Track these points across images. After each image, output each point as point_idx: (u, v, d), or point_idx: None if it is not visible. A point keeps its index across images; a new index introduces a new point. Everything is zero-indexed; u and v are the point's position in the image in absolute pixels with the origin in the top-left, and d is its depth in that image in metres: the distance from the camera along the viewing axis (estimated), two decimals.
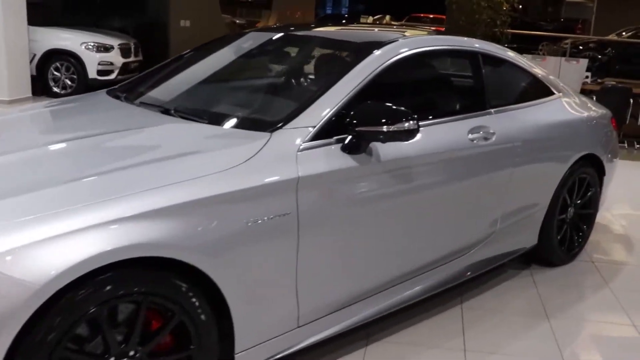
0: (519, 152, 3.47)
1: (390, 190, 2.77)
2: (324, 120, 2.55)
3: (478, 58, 3.50)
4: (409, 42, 3.13)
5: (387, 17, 14.66)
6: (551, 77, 4.11)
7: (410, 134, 2.58)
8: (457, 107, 3.55)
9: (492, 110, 3.43)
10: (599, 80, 9.27)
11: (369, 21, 14.25)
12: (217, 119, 2.73)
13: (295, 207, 2.35)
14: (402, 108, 2.57)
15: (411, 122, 2.54)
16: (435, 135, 3.01)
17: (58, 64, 9.66)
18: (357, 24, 12.63)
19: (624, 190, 6.03)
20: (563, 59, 8.48)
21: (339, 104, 2.62)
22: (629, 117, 8.31)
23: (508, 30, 11.43)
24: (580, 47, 12.66)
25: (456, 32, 11.46)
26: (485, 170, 3.28)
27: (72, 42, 9.68)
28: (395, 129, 2.52)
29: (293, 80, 3.58)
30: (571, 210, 4.12)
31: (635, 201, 5.92)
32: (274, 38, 3.73)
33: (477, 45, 3.55)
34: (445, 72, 3.91)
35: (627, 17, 15.34)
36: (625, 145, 8.39)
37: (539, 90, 3.91)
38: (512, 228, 3.63)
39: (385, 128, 2.51)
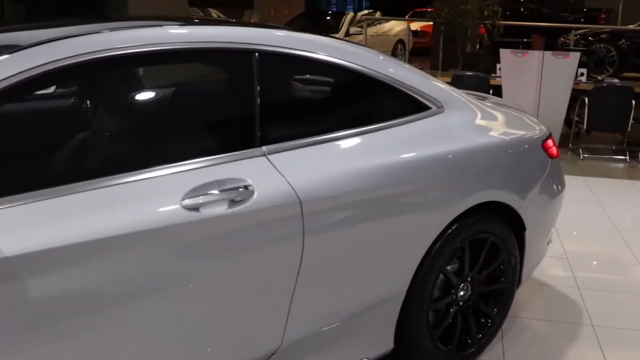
0: (320, 217, 2.06)
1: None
2: None
3: (250, 61, 2.08)
4: (59, 47, 1.74)
5: (378, 13, 13.26)
6: (431, 82, 2.65)
7: None
8: (174, 150, 1.97)
9: (264, 148, 2.02)
10: (600, 78, 7.64)
11: (359, 16, 12.83)
12: None
13: None
14: None
15: None
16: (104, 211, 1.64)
17: None
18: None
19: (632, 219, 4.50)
20: (549, 53, 6.91)
21: None
22: (631, 122, 6.68)
23: (500, 22, 9.89)
24: (590, 39, 10.96)
25: (446, 26, 9.98)
26: (230, 257, 1.88)
27: None
28: None
29: None
30: (465, 288, 2.67)
31: None
32: None
33: (251, 40, 2.12)
34: (151, 94, 2.14)
35: None
36: (627, 157, 6.76)
37: (389, 106, 2.47)
38: (329, 335, 2.21)
39: None
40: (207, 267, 1.83)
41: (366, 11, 12.95)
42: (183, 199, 1.80)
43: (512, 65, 7.06)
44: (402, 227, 2.31)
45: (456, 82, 7.25)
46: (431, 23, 11.23)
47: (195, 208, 1.81)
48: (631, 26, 11.26)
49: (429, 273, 2.46)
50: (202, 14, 15.63)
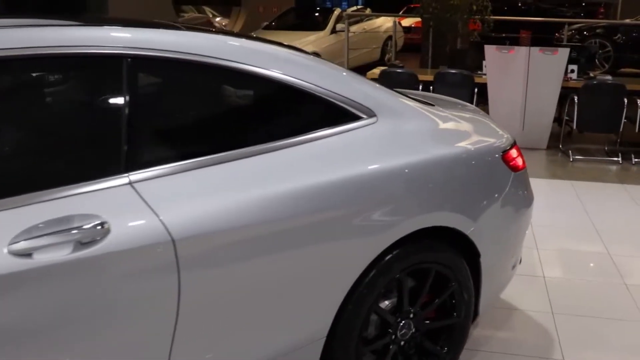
0: (202, 258, 1.69)
1: None
2: None
3: (118, 69, 1.70)
4: None
5: (368, 10, 12.84)
6: (363, 88, 2.27)
7: None
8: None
9: (130, 175, 1.64)
10: (592, 74, 7.23)
11: (349, 12, 12.44)
12: None
13: None
14: None
15: None
16: None
17: None
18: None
19: (619, 228, 4.11)
20: (536, 49, 6.50)
21: None
22: (623, 121, 6.28)
23: (490, 17, 9.49)
24: (585, 33, 10.51)
25: (435, 22, 9.58)
26: (75, 313, 1.51)
27: None
28: None
29: None
30: (407, 325, 2.30)
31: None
32: None
33: (121, 43, 1.73)
34: None
35: None
36: (619, 159, 6.35)
37: (305, 117, 2.09)
38: None
39: None
40: (42, 326, 1.46)
41: (354, 7, 12.54)
42: (10, 244, 1.43)
43: (497, 62, 6.67)
44: (316, 262, 1.93)
45: (439, 81, 6.87)
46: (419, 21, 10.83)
47: (27, 254, 1.44)
48: (627, 20, 10.81)
49: (356, 312, 2.09)
50: (196, 13, 15.27)
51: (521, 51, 6.57)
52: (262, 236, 1.78)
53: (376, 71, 7.33)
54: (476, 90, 6.82)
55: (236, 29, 13.26)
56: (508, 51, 6.63)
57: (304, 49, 2.47)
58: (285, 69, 2.03)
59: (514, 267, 2.80)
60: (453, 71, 6.95)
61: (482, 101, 6.90)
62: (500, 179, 2.54)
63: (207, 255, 1.70)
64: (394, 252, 2.15)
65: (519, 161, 2.70)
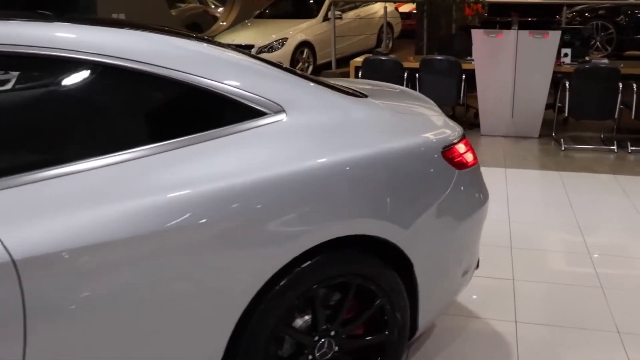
0: (53, 281, 1.45)
1: None
2: None
3: None
4: None
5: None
6: (270, 79, 2.00)
7: None
8: None
9: None
10: (587, 58, 6.86)
11: None
12: None
13: None
14: None
15: None
16: None
17: None
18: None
19: (606, 226, 3.80)
20: (525, 32, 6.15)
21: None
22: (618, 107, 5.92)
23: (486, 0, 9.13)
24: (587, 15, 10.07)
25: (428, 6, 9.22)
26: None
27: None
28: None
29: None
30: (328, 344, 2.04)
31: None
32: None
33: None
34: None
35: None
36: (615, 148, 6.01)
37: (191, 115, 1.82)
38: None
39: None
40: None
41: None
42: None
43: (485, 47, 6.33)
44: (196, 280, 1.66)
45: (425, 68, 6.56)
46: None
47: None
48: (631, 0, 10.36)
49: (258, 331, 1.83)
50: (198, 3, 14.98)
51: (510, 35, 6.22)
52: (133, 250, 1.53)
53: (360, 59, 7.01)
54: (464, 76, 6.50)
55: (230, 18, 12.95)
56: (496, 35, 6.29)
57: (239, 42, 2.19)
58: (162, 62, 1.76)
59: (465, 273, 2.52)
60: (439, 57, 6.63)
61: (471, 88, 6.59)
62: (439, 178, 2.25)
63: (55, 277, 1.45)
64: (302, 266, 1.88)
65: (468, 157, 2.41)
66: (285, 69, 2.14)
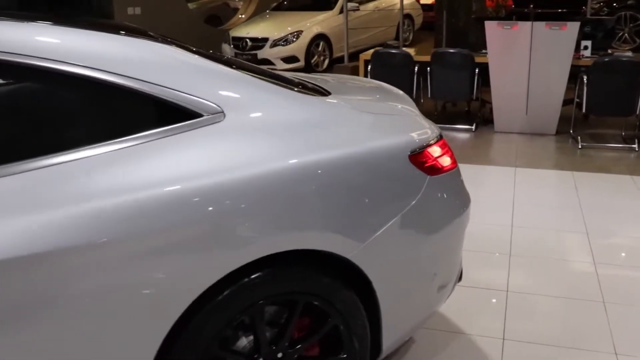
0: None
1: None
2: None
3: None
4: None
5: None
6: (208, 76, 1.81)
7: None
8: None
9: None
10: (610, 51, 6.50)
11: None
12: None
13: None
14: None
15: None
16: None
17: None
18: None
19: (616, 236, 3.53)
20: (542, 24, 5.83)
21: None
22: (639, 104, 5.59)
23: None
24: (615, 5, 9.62)
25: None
26: None
27: None
28: None
29: None
30: None
31: None
32: None
33: None
34: None
35: None
36: (636, 146, 5.67)
37: (107, 120, 1.65)
38: None
39: None
40: None
41: None
42: None
43: (499, 39, 6.04)
44: (124, 288, 1.49)
45: (436, 61, 6.30)
46: None
47: None
48: None
49: (192, 347, 1.64)
50: None
51: (525, 27, 5.92)
52: (51, 264, 1.38)
53: (370, 52, 6.78)
54: (477, 70, 6.21)
55: (249, 11, 12.78)
56: (511, 27, 5.99)
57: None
58: (79, 60, 1.59)
59: (442, 287, 2.30)
60: (451, 50, 6.36)
61: (487, 83, 6.31)
62: (405, 184, 2.03)
63: None
64: (242, 282, 1.69)
65: (444, 161, 2.19)
66: (239, 67, 1.96)
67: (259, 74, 2.02)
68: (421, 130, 2.16)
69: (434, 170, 2.12)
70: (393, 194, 1.99)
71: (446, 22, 9.29)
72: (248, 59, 10.00)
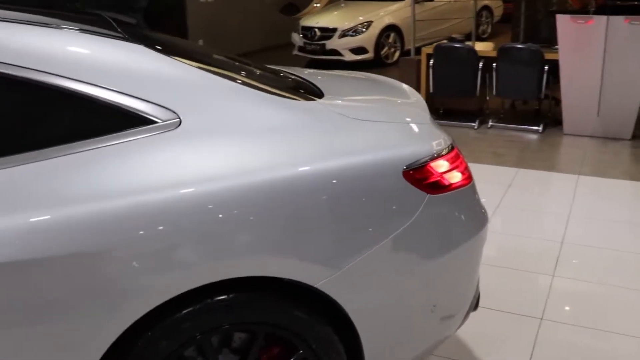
0: None
1: None
2: None
3: None
4: None
5: None
6: (165, 76, 1.64)
7: None
8: None
9: None
10: None
11: None
12: None
13: None
14: None
15: None
16: None
17: None
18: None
19: None
20: (620, 19, 5.31)
21: None
22: None
23: None
24: None
25: None
26: None
27: None
28: None
29: None
30: None
31: None
32: None
33: None
34: None
35: None
36: None
37: (38, 126, 1.51)
38: None
39: None
40: None
41: None
42: None
43: (571, 35, 5.57)
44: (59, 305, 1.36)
45: (503, 57, 5.90)
46: None
47: None
48: None
49: None
50: None
51: (601, 21, 5.42)
52: None
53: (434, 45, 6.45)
54: (546, 68, 5.77)
55: (322, 2, 12.59)
56: (585, 21, 5.51)
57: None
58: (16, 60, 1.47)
59: (447, 318, 2.05)
60: (519, 46, 5.95)
61: (555, 80, 5.85)
62: (396, 204, 1.79)
63: None
64: (188, 311, 1.53)
65: (453, 177, 1.93)
66: (226, 67, 1.79)
67: (247, 75, 1.84)
68: (422, 141, 1.90)
69: (438, 187, 1.87)
70: (380, 215, 1.76)
71: (524, 14, 8.77)
72: (316, 49, 9.84)
